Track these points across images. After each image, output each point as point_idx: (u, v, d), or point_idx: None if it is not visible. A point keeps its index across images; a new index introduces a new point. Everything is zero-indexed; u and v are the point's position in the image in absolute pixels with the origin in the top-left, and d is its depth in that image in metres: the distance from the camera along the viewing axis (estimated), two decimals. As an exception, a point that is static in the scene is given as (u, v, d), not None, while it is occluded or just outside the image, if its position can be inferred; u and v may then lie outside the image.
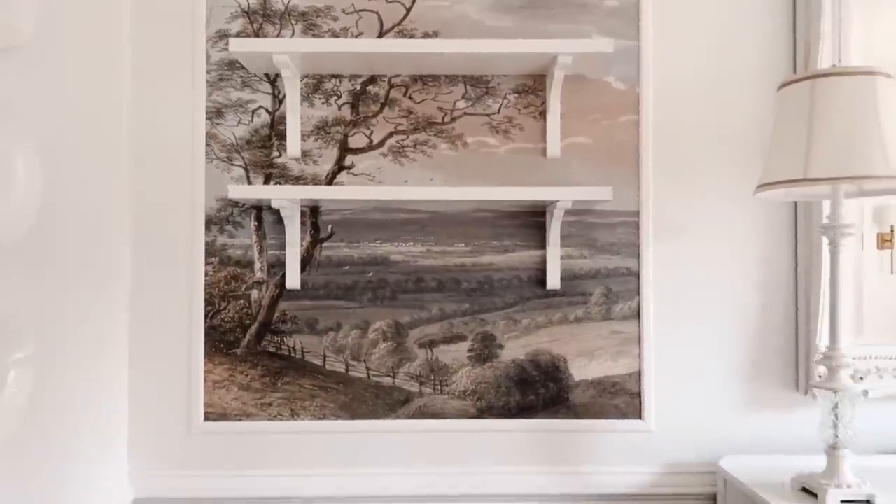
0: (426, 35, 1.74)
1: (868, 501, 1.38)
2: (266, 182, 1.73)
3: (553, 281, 1.73)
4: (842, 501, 1.38)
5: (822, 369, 1.59)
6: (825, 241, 1.47)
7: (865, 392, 1.61)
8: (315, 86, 1.74)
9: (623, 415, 1.74)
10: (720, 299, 1.75)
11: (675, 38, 1.75)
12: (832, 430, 1.43)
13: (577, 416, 1.74)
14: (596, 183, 1.73)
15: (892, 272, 1.80)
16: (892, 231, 1.80)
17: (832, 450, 1.43)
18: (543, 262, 1.74)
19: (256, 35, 1.72)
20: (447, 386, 1.74)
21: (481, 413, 1.74)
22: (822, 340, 1.66)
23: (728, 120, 1.75)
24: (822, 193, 1.53)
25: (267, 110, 1.74)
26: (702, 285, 1.75)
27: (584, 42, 1.61)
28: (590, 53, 1.60)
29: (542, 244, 1.74)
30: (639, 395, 1.74)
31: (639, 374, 1.74)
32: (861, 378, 1.69)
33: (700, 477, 1.72)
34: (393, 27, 1.74)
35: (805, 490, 1.45)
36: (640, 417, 1.74)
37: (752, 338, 1.75)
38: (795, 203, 1.75)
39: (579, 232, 1.75)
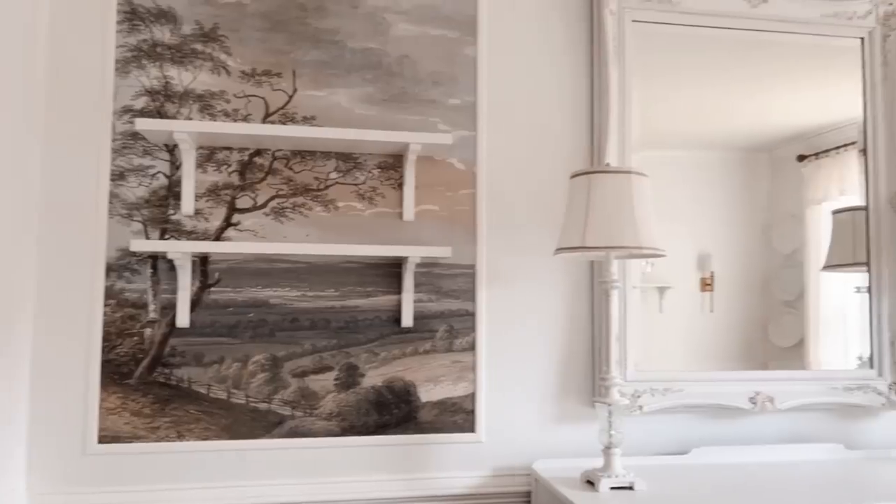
0: (305, 119, 2.12)
1: (630, 486, 1.87)
2: (162, 236, 2.03)
3: (407, 320, 2.13)
4: (611, 488, 1.85)
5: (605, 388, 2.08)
6: (612, 290, 1.97)
7: (630, 406, 2.13)
8: (208, 155, 2.07)
9: (460, 429, 2.15)
10: (537, 334, 2.22)
11: (503, 130, 2.24)
12: (606, 434, 1.91)
13: (423, 431, 2.13)
14: (442, 242, 2.16)
15: (711, 311, 2.31)
16: (711, 277, 2.34)
17: (607, 449, 1.91)
18: (399, 304, 2.14)
19: (158, 112, 2.03)
20: (316, 409, 2.08)
21: (344, 431, 2.09)
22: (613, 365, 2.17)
23: (543, 194, 2.24)
24: (598, 256, 2.04)
25: (165, 174, 2.04)
26: (523, 323, 2.22)
27: (430, 135, 2.05)
28: (435, 143, 2.05)
29: (399, 290, 2.14)
30: (473, 412, 2.16)
31: (473, 395, 2.17)
32: (638, 396, 2.20)
33: (519, 478, 2.15)
34: (277, 110, 2.11)
35: (588, 482, 1.92)
36: (473, 431, 2.16)
37: (560, 365, 2.23)
38: (592, 261, 2.26)
39: (428, 280, 2.17)
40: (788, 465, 2.16)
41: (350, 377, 2.11)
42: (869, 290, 2.38)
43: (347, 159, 2.15)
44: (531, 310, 2.22)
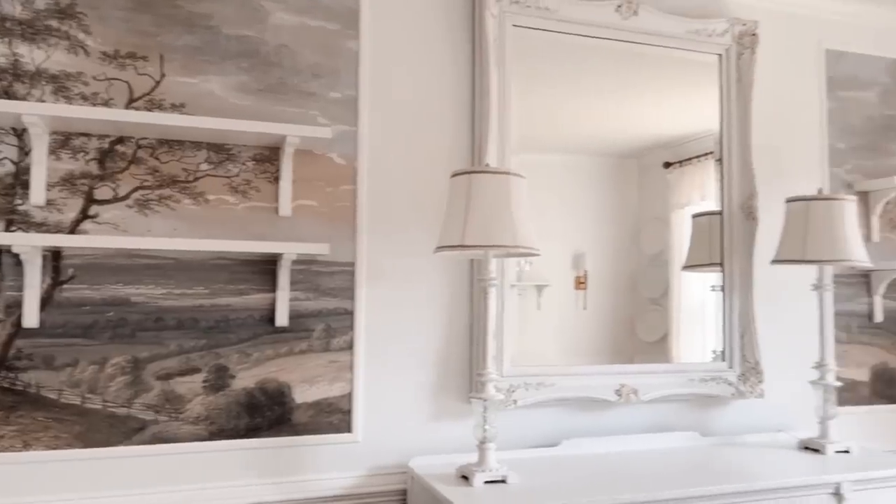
0: (174, 106, 2.00)
1: (503, 480, 1.91)
2: (7, 227, 1.84)
3: (282, 319, 2.06)
4: (485, 482, 1.89)
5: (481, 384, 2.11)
6: (489, 288, 2.00)
7: (505, 400, 2.18)
8: (63, 142, 1.90)
9: (336, 429, 2.11)
10: (416, 333, 2.22)
11: (385, 127, 2.22)
12: (481, 429, 1.94)
13: (298, 433, 2.07)
14: (321, 238, 2.11)
15: (584, 308, 2.40)
16: (585, 275, 2.43)
17: (481, 444, 1.94)
18: (274, 303, 2.06)
19: (6, 92, 1.84)
20: (182, 413, 1.97)
21: (213, 436, 1.99)
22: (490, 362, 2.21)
23: (424, 192, 2.25)
24: (477, 255, 2.07)
25: (11, 161, 1.86)
26: (403, 322, 2.21)
27: (309, 127, 1.99)
28: (313, 137, 2.00)
29: (274, 288, 2.07)
30: (349, 412, 2.13)
31: (350, 395, 2.13)
32: (514, 391, 2.26)
33: (395, 476, 2.14)
34: (142, 96, 1.97)
35: (463, 477, 1.94)
36: (349, 431, 2.12)
37: (439, 362, 2.24)
38: (472, 260, 2.29)
39: (306, 278, 2.11)
40: (650, 453, 2.29)
41: (220, 379, 2.01)
42: (722, 288, 2.57)
43: (220, 150, 2.05)
44: (411, 308, 2.22)
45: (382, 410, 2.17)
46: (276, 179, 2.08)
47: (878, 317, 2.77)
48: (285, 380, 2.08)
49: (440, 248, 1.93)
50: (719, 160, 2.59)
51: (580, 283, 2.41)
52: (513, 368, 2.27)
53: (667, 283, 2.53)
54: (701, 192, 2.61)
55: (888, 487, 2.10)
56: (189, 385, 1.98)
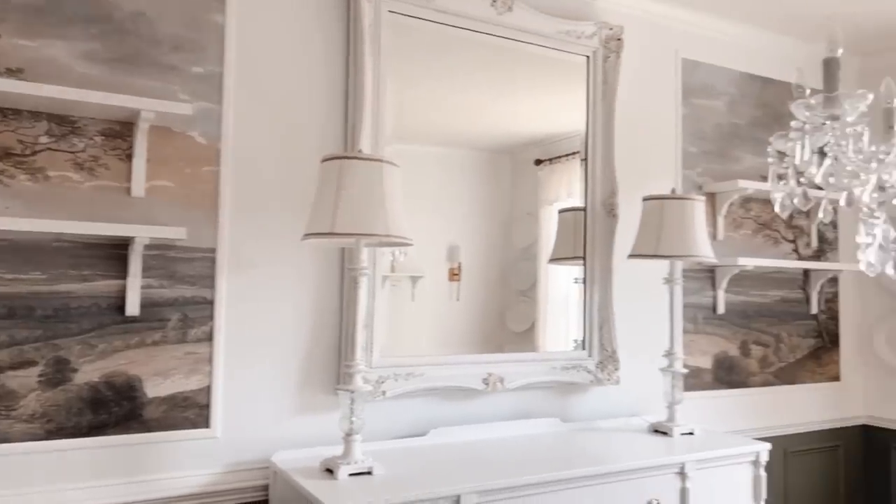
0: (9, 71, 1.79)
1: (369, 472, 1.88)
2: None
3: (132, 308, 1.92)
4: (349, 475, 1.85)
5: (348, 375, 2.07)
6: (360, 277, 1.96)
7: (374, 391, 2.16)
8: None
9: (193, 425, 2.00)
10: (282, 323, 2.14)
11: (253, 106, 2.12)
12: (347, 421, 1.90)
13: (150, 429, 1.94)
14: (178, 222, 1.98)
15: (457, 300, 2.40)
16: (459, 267, 2.42)
17: (347, 436, 1.90)
18: (124, 290, 1.91)
19: None
20: (14, 411, 1.78)
21: (50, 434, 1.82)
22: (358, 352, 2.17)
23: (294, 177, 2.17)
24: (348, 243, 2.03)
25: None
26: (268, 312, 2.12)
27: (166, 102, 1.86)
28: (171, 113, 1.86)
29: (124, 274, 1.91)
30: (208, 406, 2.02)
31: (209, 388, 2.02)
32: (383, 382, 2.23)
33: (257, 472, 2.06)
34: (-31, 55, 1.75)
35: (328, 470, 1.90)
36: (207, 426, 2.01)
37: (306, 354, 2.17)
38: (342, 249, 2.24)
39: (161, 264, 1.97)
40: (514, 439, 2.35)
41: (59, 373, 1.84)
42: (584, 281, 2.68)
43: (63, 122, 1.86)
44: (277, 298, 2.14)
45: (244, 404, 2.08)
46: (129, 157, 1.93)
47: (721, 309, 3.01)
48: (136, 373, 1.93)
49: (308, 235, 1.87)
50: (584, 159, 2.69)
51: (454, 274, 2.43)
52: (382, 359, 2.25)
53: (535, 276, 2.61)
54: (568, 190, 2.71)
55: (726, 466, 2.28)
56: (22, 380, 1.79)
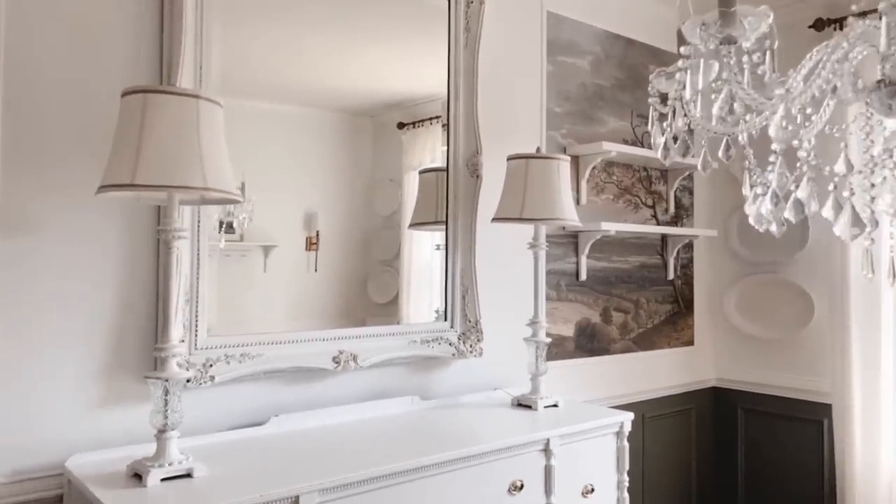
0: None
1: (188, 474, 1.56)
2: None
3: None
4: (162, 479, 1.53)
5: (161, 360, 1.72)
6: (174, 241, 1.60)
7: (199, 377, 1.83)
8: None
9: (-44, 429, 1.57)
10: (79, 298, 1.75)
11: (32, 20, 1.68)
12: (161, 415, 1.57)
13: None
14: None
15: (315, 270, 2.13)
16: (317, 235, 2.12)
17: (161, 434, 1.57)
18: None
19: None
20: None
21: None
22: (173, 333, 1.82)
23: (95, 119, 1.76)
24: (157, 199, 1.67)
25: None
26: (59, 285, 1.72)
27: None
28: None
29: None
30: (-22, 405, 1.60)
31: (-22, 382, 1.60)
32: (212, 365, 1.90)
33: (48, 481, 1.67)
34: None
35: (136, 475, 1.56)
36: (-22, 430, 1.60)
37: (112, 335, 1.79)
38: (160, 207, 1.87)
39: None
40: (368, 422, 2.11)
41: None
42: (446, 247, 2.48)
43: None
44: (72, 267, 1.74)
45: (29, 400, 1.67)
46: None
47: (583, 275, 2.93)
48: None
49: (104, 187, 1.49)
50: (445, 125, 2.48)
51: (312, 244, 2.18)
52: (211, 339, 1.91)
53: (399, 245, 2.39)
54: (432, 156, 2.52)
55: (590, 439, 2.18)
56: None
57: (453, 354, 2.42)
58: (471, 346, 2.45)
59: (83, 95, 1.75)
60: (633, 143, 3.15)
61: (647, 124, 3.15)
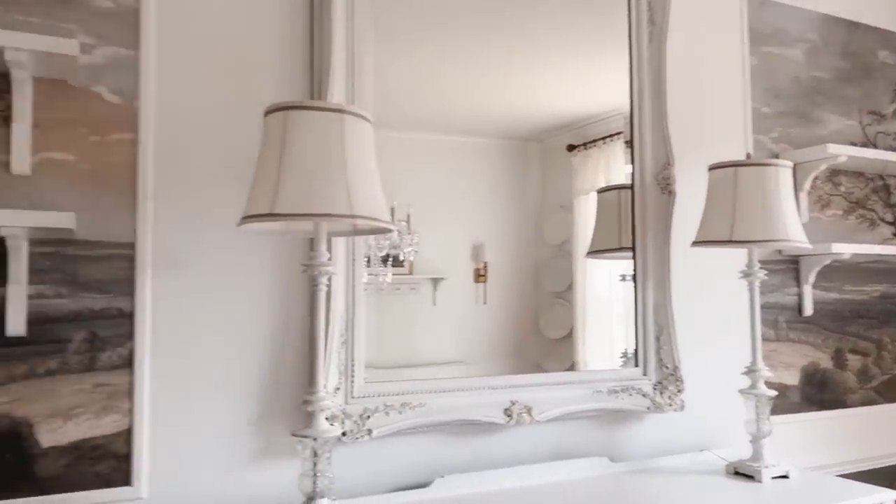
0: None
1: (339, 552, 1.33)
2: None
3: (16, 326, 1.40)
4: (308, 557, 1.30)
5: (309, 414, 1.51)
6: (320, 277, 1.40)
7: (355, 431, 1.60)
8: None
9: (107, 483, 1.47)
10: (230, 341, 1.60)
11: (183, 52, 1.59)
12: (310, 480, 1.35)
13: (44, 491, 1.41)
14: (80, 208, 1.46)
15: (485, 303, 1.96)
16: (485, 267, 1.95)
17: (310, 501, 1.35)
18: (4, 302, 1.40)
19: None
20: None
21: None
22: (331, 380, 1.62)
23: (245, 145, 1.62)
24: (302, 229, 1.48)
25: None
26: (210, 326, 1.59)
27: (39, 38, 1.33)
28: (54, 53, 1.34)
29: (4, 280, 1.40)
30: (128, 457, 1.49)
31: (129, 432, 1.49)
32: (369, 417, 1.68)
33: (197, 543, 1.52)
34: None
35: (282, 549, 1.35)
36: (128, 484, 1.48)
37: (263, 381, 1.63)
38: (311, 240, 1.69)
39: (56, 266, 1.45)
40: (549, 488, 1.78)
41: None
42: (634, 277, 2.10)
43: (-89, 73, 1.36)
44: (224, 307, 1.60)
45: (180, 451, 1.54)
46: (7, 121, 1.41)
47: (808, 310, 2.38)
48: (23, 414, 1.41)
49: (247, 218, 1.32)
50: (628, 141, 2.13)
51: (480, 275, 2.00)
52: (367, 387, 1.69)
53: (571, 275, 2.08)
54: (606, 178, 2.21)
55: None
56: None
57: (648, 408, 2.01)
58: (669, 397, 2.03)
59: (228, 126, 1.63)
60: (864, 145, 2.56)
61: (880, 122, 2.57)
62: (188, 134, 1.58)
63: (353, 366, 1.68)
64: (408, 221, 1.88)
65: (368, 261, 1.79)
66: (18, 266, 1.39)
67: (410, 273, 1.90)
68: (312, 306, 1.40)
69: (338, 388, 1.65)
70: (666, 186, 2.09)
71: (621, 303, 2.14)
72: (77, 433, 1.45)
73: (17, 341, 1.41)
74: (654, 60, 2.12)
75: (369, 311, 1.74)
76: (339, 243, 1.66)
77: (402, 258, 1.87)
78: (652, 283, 2.08)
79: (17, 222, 1.30)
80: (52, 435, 1.43)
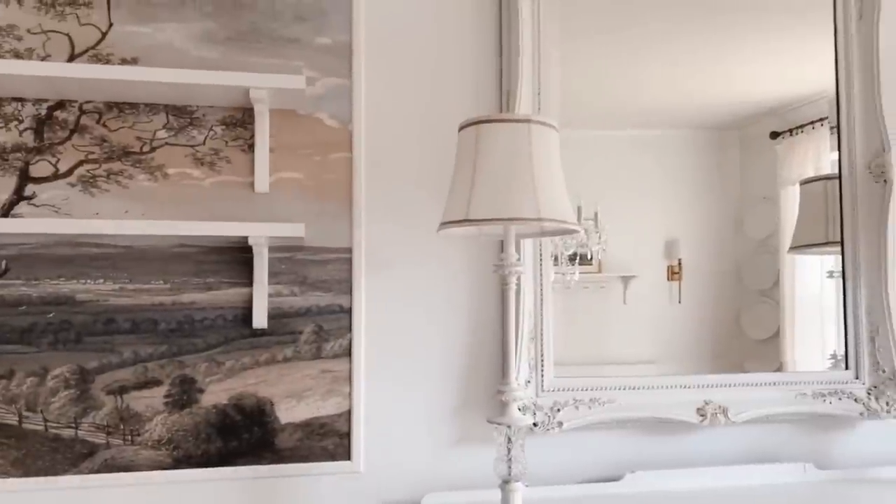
0: (124, 61, 1.64)
1: (533, 533, 1.42)
2: (-77, 212, 1.55)
3: (260, 320, 1.67)
4: (506, 535, 1.41)
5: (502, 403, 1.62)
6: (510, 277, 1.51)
7: (547, 422, 1.69)
8: (-11, 108, 1.59)
9: (332, 457, 1.70)
10: (431, 335, 1.77)
11: (387, 78, 1.78)
12: (504, 464, 1.46)
13: (283, 460, 1.67)
14: (307, 219, 1.70)
15: (679, 302, 1.96)
16: (679, 264, 1.96)
17: (505, 485, 1.46)
18: (250, 299, 1.67)
19: (-88, 49, 1.55)
20: (139, 436, 1.61)
21: (178, 463, 1.63)
22: (521, 374, 1.72)
23: (439, 158, 1.79)
24: (493, 232, 1.59)
25: (-71, 133, 1.57)
26: (413, 321, 1.77)
27: (275, 77, 1.58)
28: (286, 88, 1.58)
29: (250, 281, 1.68)
30: (348, 435, 1.71)
31: (349, 413, 1.71)
32: (559, 410, 1.76)
33: (407, 516, 1.71)
34: (86, 51, 1.63)
35: (481, 526, 1.47)
36: (348, 458, 1.70)
37: (462, 372, 1.78)
38: (502, 242, 1.81)
39: (290, 269, 1.71)
40: (745, 491, 1.74)
41: (185, 393, 1.64)
42: (843, 274, 1.95)
43: (181, 114, 1.68)
44: (425, 304, 1.77)
45: (389, 432, 1.73)
46: (251, 147, 1.69)
47: None
48: (266, 394, 1.68)
49: (445, 224, 1.47)
50: (835, 126, 1.98)
51: (674, 273, 1.97)
52: (557, 381, 1.77)
53: (777, 271, 1.98)
54: (816, 165, 2.08)
55: None
56: (148, 401, 1.62)
57: (861, 413, 1.87)
58: (886, 402, 1.87)
59: (425, 141, 1.79)
60: None
61: None
62: (392, 151, 1.77)
63: (542, 360, 1.77)
64: (595, 219, 1.91)
65: (556, 259, 1.85)
66: (261, 269, 1.65)
67: (599, 271, 1.93)
68: (504, 304, 1.51)
69: (528, 381, 1.74)
70: (880, 174, 1.92)
71: (834, 300, 2.00)
72: (307, 412, 1.70)
73: (261, 332, 1.69)
74: (864, 37, 1.95)
75: (557, 308, 1.82)
76: (527, 244, 1.76)
77: (589, 256, 1.92)
78: (864, 280, 1.92)
79: (262, 233, 1.56)
80: (288, 413, 1.69)
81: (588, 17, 1.91)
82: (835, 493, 1.73)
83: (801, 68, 2.04)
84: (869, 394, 1.89)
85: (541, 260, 1.77)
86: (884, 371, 1.88)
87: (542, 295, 1.78)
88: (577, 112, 1.86)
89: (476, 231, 1.59)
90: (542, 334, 1.77)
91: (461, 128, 1.48)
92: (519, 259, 1.50)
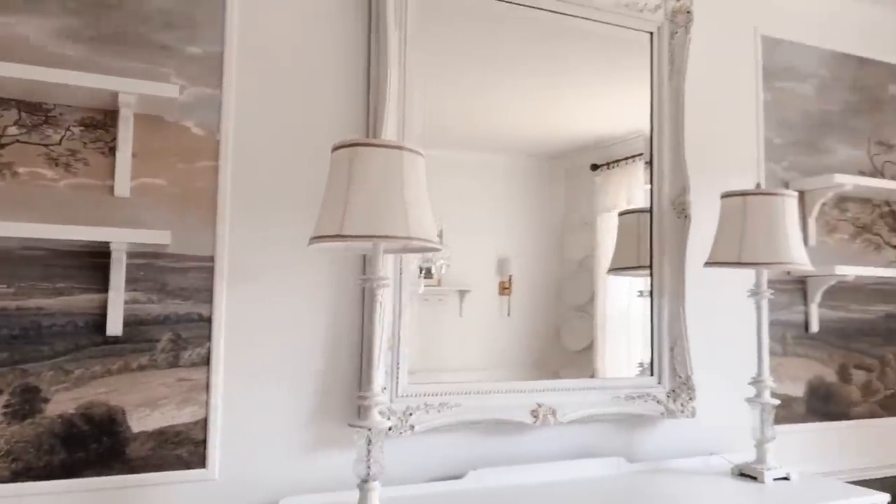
0: (-29, 49, 1.54)
1: (389, 528, 1.54)
2: None
3: (114, 327, 1.63)
4: (364, 531, 1.51)
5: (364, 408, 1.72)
6: (378, 290, 1.62)
7: (399, 426, 1.82)
8: None
9: (186, 465, 1.69)
10: (291, 344, 1.83)
11: (256, 91, 1.82)
12: (363, 464, 1.56)
13: (135, 470, 1.64)
14: (169, 226, 1.69)
15: (508, 315, 2.11)
16: (510, 280, 2.11)
17: (363, 483, 1.56)
18: (105, 306, 1.63)
19: None
20: (-28, 448, 1.51)
21: (17, 476, 1.54)
22: (376, 381, 1.83)
23: (308, 174, 1.86)
24: (363, 248, 1.70)
25: None
26: (275, 331, 1.81)
27: (148, 83, 1.57)
28: (157, 96, 1.58)
29: (105, 287, 1.63)
30: (204, 443, 1.71)
31: (205, 421, 1.72)
32: (411, 414, 1.89)
33: (262, 521, 1.74)
34: (-74, 33, 1.51)
35: (340, 524, 1.56)
36: (203, 466, 1.71)
37: (321, 380, 1.85)
38: (364, 257, 1.92)
39: (149, 275, 1.69)
40: (571, 484, 1.97)
41: (27, 403, 1.56)
42: (651, 293, 2.29)
43: (35, 110, 1.60)
44: (287, 314, 1.83)
45: (247, 440, 1.76)
46: (112, 151, 1.65)
47: (814, 327, 2.56)
48: (118, 403, 1.64)
49: (316, 238, 1.55)
50: (649, 162, 2.32)
51: (504, 288, 2.13)
52: (411, 387, 1.91)
53: (592, 289, 2.25)
54: (628, 197, 2.37)
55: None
56: (-17, 412, 1.52)
57: (662, 413, 2.20)
58: (682, 404, 2.22)
59: (296, 156, 1.86)
60: (872, 174, 2.73)
61: (888, 152, 2.74)
62: (260, 162, 1.82)
63: (397, 368, 1.89)
64: (440, 236, 2.06)
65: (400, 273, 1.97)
66: (118, 275, 1.62)
67: (439, 284, 2.06)
68: (368, 315, 1.62)
69: (384, 388, 1.86)
70: (682, 211, 2.29)
71: (639, 317, 2.32)
72: (162, 421, 1.68)
73: (115, 340, 1.65)
74: (673, 96, 2.31)
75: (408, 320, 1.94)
76: (389, 259, 1.88)
77: (433, 271, 2.07)
78: (667, 299, 2.27)
79: (127, 238, 1.54)
80: (140, 421, 1.66)
81: (446, 53, 2.07)
82: (641, 482, 2.02)
83: (622, 110, 2.32)
84: (668, 396, 2.23)
85: (401, 274, 1.90)
86: (680, 377, 2.23)
87: (400, 307, 1.91)
88: (434, 134, 2.00)
89: (343, 246, 1.68)
90: (398, 344, 1.89)
91: (335, 148, 1.58)
92: (385, 274, 1.62)
